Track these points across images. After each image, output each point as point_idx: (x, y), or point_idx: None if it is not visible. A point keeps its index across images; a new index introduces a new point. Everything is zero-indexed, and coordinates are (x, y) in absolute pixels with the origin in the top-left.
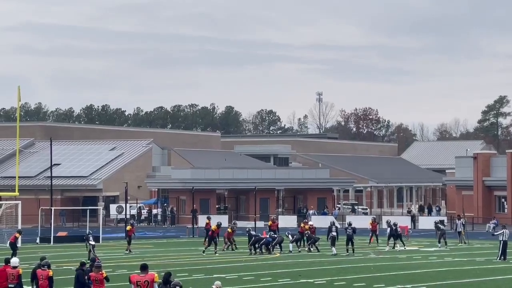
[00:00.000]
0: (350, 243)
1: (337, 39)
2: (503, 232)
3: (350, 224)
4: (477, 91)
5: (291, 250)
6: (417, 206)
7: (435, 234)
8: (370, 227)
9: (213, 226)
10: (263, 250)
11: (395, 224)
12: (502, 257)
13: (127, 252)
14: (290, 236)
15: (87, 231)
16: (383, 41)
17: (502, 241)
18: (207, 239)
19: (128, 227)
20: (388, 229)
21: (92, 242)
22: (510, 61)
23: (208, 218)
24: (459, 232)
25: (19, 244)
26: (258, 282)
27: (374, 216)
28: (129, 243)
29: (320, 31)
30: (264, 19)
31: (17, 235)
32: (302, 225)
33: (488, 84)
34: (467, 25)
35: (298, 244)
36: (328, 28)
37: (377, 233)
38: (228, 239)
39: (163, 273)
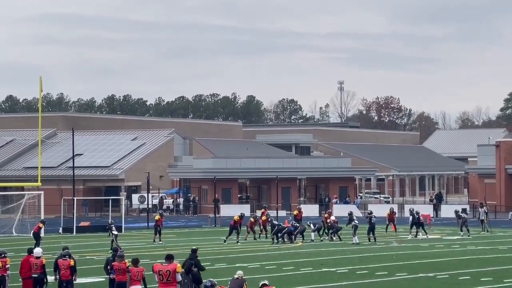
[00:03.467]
0: (371, 232)
1: (359, 28)
2: None
3: (371, 213)
4: (499, 79)
5: (313, 239)
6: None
7: (456, 223)
8: (387, 217)
9: (236, 216)
10: (285, 240)
11: (417, 213)
12: None
13: (155, 242)
14: (312, 225)
15: (109, 220)
16: (404, 30)
17: None
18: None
19: (157, 217)
20: (411, 218)
21: (115, 232)
22: None
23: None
24: (482, 221)
25: (42, 234)
26: (280, 271)
27: (392, 207)
28: (156, 233)
29: (341, 19)
30: (286, 8)
31: (41, 225)
32: (326, 215)
33: (511, 72)
34: (488, 12)
35: (320, 233)
36: (349, 17)
37: (395, 222)
38: (251, 228)
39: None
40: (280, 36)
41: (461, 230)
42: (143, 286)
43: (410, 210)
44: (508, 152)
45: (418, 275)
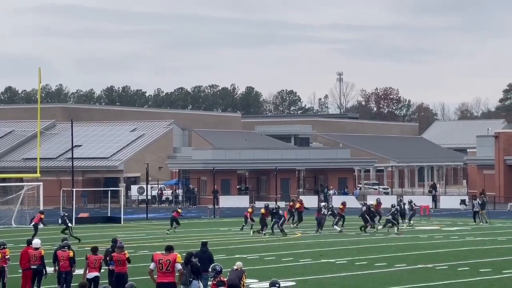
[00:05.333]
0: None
1: (358, 19)
2: None
3: (364, 204)
4: (498, 70)
5: (339, 230)
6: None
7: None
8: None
9: (249, 209)
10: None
11: (408, 202)
12: None
13: (168, 231)
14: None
15: (62, 213)
16: (404, 21)
17: None
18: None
19: (176, 212)
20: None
21: (70, 224)
22: None
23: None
24: (475, 212)
25: (41, 226)
26: (279, 262)
27: (379, 198)
28: (172, 223)
29: (341, 11)
30: None
31: (42, 216)
32: (341, 206)
33: (510, 63)
34: (488, 3)
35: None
36: (349, 8)
37: (382, 213)
38: (250, 218)
39: (185, 254)
40: (280, 27)
41: (475, 220)
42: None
43: (398, 201)
44: (507, 143)
45: (417, 266)
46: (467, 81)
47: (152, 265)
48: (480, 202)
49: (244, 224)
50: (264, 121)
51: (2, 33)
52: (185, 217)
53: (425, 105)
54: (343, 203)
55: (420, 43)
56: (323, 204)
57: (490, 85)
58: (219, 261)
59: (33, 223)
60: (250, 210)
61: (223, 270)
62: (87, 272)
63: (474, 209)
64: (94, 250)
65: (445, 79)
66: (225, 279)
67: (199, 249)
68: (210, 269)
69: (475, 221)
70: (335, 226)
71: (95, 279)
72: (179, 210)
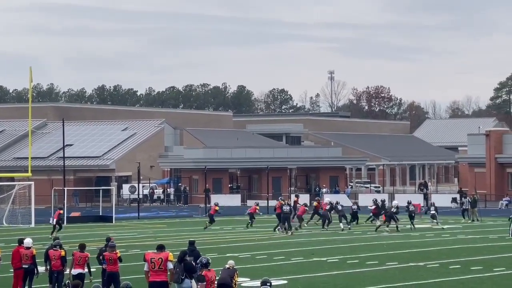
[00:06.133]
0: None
1: (350, 17)
2: None
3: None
4: (489, 68)
5: (349, 227)
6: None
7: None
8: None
9: (255, 206)
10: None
11: (382, 201)
12: None
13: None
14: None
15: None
16: (395, 19)
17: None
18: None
19: (213, 209)
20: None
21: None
22: None
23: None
24: (464, 210)
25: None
26: (271, 260)
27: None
28: (211, 221)
29: (332, 9)
30: None
31: (61, 212)
32: (315, 203)
33: (500, 61)
34: (480, 2)
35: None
36: (340, 6)
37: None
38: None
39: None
40: (271, 25)
41: (340, 221)
42: (86, 271)
43: (373, 200)
44: (498, 141)
45: (408, 264)
46: (458, 79)
47: (146, 266)
48: (470, 200)
49: (249, 222)
50: (256, 120)
51: None
52: (177, 216)
53: (416, 103)
54: (355, 203)
55: (412, 42)
56: (326, 200)
57: (481, 83)
58: (211, 259)
59: (54, 220)
60: (257, 207)
61: (210, 265)
62: (72, 269)
63: (464, 207)
64: (82, 247)
65: (436, 78)
66: (210, 274)
67: (187, 248)
68: (197, 261)
69: (464, 218)
70: (340, 224)
71: (79, 276)
72: (217, 208)
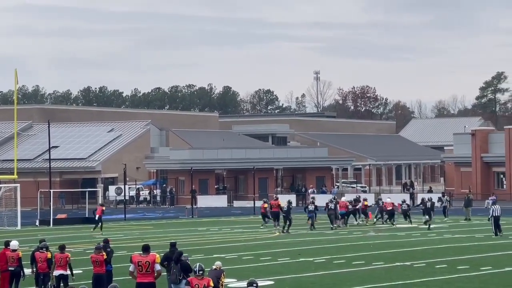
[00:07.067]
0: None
1: (335, 17)
2: (493, 208)
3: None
4: (474, 67)
5: (358, 222)
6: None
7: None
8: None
9: (265, 204)
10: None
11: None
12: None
13: (262, 226)
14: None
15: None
16: (381, 18)
17: (493, 217)
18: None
19: (266, 205)
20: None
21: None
22: (509, 37)
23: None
24: (444, 207)
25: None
26: (258, 261)
27: (359, 195)
28: (264, 219)
29: (317, 9)
30: None
31: (103, 208)
32: (364, 203)
33: (486, 60)
34: (465, 1)
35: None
36: (325, 6)
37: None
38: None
39: (165, 252)
40: (256, 26)
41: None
42: (69, 272)
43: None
44: (484, 141)
45: (394, 264)
46: (443, 78)
47: (131, 267)
48: (449, 200)
49: (264, 222)
50: (242, 121)
51: None
52: (163, 217)
53: (402, 103)
54: (363, 200)
55: (397, 41)
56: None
57: (467, 82)
58: (197, 261)
59: (97, 216)
60: (265, 205)
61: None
62: (54, 270)
63: (443, 204)
64: (61, 248)
65: (422, 77)
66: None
67: (168, 250)
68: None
69: (445, 217)
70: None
71: (61, 277)
72: (265, 205)
